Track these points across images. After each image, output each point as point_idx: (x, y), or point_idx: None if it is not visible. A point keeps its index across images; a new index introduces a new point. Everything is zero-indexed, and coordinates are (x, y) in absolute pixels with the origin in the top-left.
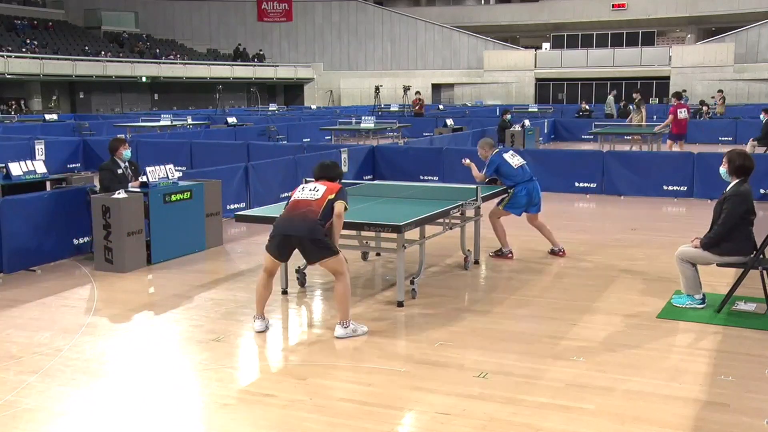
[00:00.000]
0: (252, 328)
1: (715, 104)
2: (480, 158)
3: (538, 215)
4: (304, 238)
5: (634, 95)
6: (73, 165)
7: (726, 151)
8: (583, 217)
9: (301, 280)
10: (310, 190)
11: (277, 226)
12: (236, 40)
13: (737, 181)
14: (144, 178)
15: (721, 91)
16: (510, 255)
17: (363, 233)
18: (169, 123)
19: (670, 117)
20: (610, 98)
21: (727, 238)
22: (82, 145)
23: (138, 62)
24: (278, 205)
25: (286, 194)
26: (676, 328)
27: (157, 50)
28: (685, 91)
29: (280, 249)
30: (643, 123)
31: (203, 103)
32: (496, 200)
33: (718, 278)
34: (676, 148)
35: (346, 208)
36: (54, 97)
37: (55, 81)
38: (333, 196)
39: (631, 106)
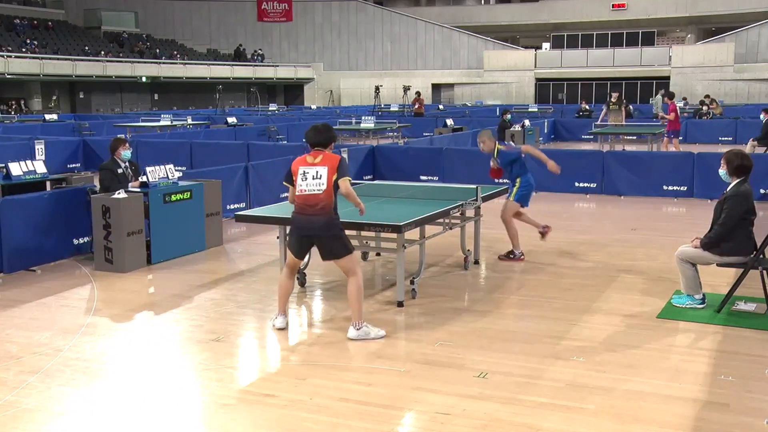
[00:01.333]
0: (270, 327)
1: (710, 110)
2: (483, 151)
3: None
4: (323, 236)
5: (613, 94)
6: (73, 165)
7: (724, 152)
8: (583, 217)
9: (301, 280)
10: (313, 178)
11: (296, 224)
12: (236, 40)
13: (737, 181)
14: (144, 178)
15: (707, 96)
16: (522, 257)
17: (363, 233)
18: (169, 123)
19: (672, 114)
20: (658, 98)
21: (728, 238)
22: (82, 145)
23: (138, 62)
24: (278, 205)
25: (286, 194)
26: (676, 328)
27: (157, 50)
28: (685, 99)
29: (300, 246)
30: (622, 122)
31: (203, 103)
32: (503, 198)
33: (718, 278)
34: (672, 148)
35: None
36: (54, 97)
37: (55, 81)
38: (336, 175)
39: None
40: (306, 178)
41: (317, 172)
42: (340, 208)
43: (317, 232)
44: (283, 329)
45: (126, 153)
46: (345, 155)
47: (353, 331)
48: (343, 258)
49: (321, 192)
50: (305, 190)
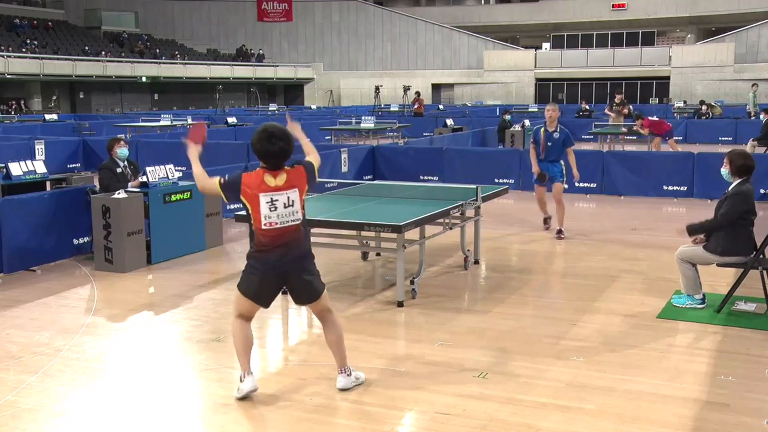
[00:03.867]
0: (239, 389)
1: (708, 111)
2: (549, 120)
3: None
4: (301, 272)
5: (617, 96)
6: (73, 165)
7: (727, 151)
8: (583, 217)
9: None
10: (285, 206)
11: (264, 262)
12: (236, 40)
13: (740, 180)
14: (144, 178)
15: (703, 102)
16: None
17: (363, 233)
18: (169, 123)
19: (646, 130)
20: (751, 95)
21: (727, 238)
22: (82, 145)
23: (138, 62)
24: None
25: None
26: (676, 328)
27: (157, 50)
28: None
29: (269, 289)
30: (622, 122)
31: (203, 103)
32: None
33: (718, 278)
34: (667, 148)
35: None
36: (54, 97)
37: (55, 81)
38: (306, 189)
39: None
40: (275, 207)
41: (288, 197)
42: (333, 203)
43: (293, 267)
44: (254, 392)
45: (123, 151)
46: (345, 155)
47: (344, 380)
48: (320, 299)
49: (297, 222)
50: (277, 223)
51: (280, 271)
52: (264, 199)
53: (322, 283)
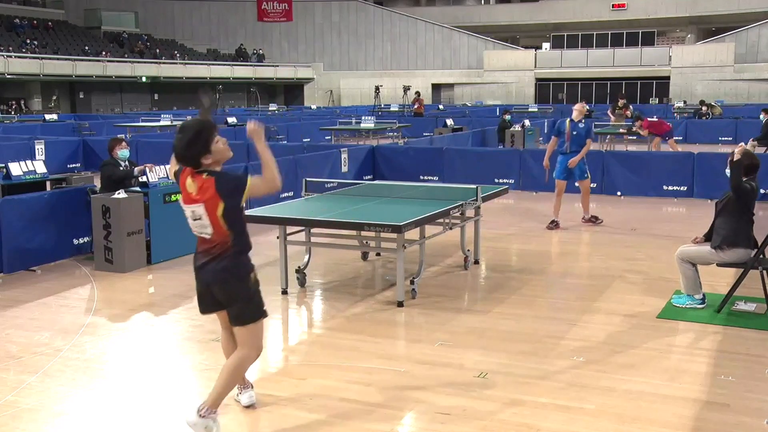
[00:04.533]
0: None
1: (709, 111)
2: (577, 113)
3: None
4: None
5: (620, 100)
6: (73, 165)
7: (730, 152)
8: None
9: (301, 280)
10: (193, 219)
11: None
12: (236, 40)
13: (746, 179)
14: (144, 178)
15: (702, 102)
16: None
17: (363, 233)
18: (169, 123)
19: (646, 131)
20: None
21: (729, 229)
22: (82, 145)
23: (138, 62)
24: (278, 205)
25: (286, 194)
26: (676, 328)
27: (157, 50)
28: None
29: (203, 300)
30: (621, 123)
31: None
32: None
33: (718, 278)
34: (667, 148)
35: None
36: (54, 97)
37: (55, 81)
38: (221, 207)
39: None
40: (187, 217)
41: (193, 212)
42: (333, 203)
43: (213, 280)
44: (252, 406)
45: (123, 152)
46: (345, 155)
47: (194, 417)
48: (250, 326)
49: (209, 236)
50: (195, 231)
51: (203, 277)
52: (182, 204)
53: (258, 314)
